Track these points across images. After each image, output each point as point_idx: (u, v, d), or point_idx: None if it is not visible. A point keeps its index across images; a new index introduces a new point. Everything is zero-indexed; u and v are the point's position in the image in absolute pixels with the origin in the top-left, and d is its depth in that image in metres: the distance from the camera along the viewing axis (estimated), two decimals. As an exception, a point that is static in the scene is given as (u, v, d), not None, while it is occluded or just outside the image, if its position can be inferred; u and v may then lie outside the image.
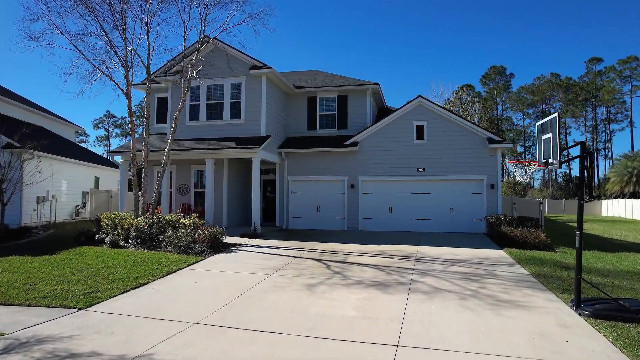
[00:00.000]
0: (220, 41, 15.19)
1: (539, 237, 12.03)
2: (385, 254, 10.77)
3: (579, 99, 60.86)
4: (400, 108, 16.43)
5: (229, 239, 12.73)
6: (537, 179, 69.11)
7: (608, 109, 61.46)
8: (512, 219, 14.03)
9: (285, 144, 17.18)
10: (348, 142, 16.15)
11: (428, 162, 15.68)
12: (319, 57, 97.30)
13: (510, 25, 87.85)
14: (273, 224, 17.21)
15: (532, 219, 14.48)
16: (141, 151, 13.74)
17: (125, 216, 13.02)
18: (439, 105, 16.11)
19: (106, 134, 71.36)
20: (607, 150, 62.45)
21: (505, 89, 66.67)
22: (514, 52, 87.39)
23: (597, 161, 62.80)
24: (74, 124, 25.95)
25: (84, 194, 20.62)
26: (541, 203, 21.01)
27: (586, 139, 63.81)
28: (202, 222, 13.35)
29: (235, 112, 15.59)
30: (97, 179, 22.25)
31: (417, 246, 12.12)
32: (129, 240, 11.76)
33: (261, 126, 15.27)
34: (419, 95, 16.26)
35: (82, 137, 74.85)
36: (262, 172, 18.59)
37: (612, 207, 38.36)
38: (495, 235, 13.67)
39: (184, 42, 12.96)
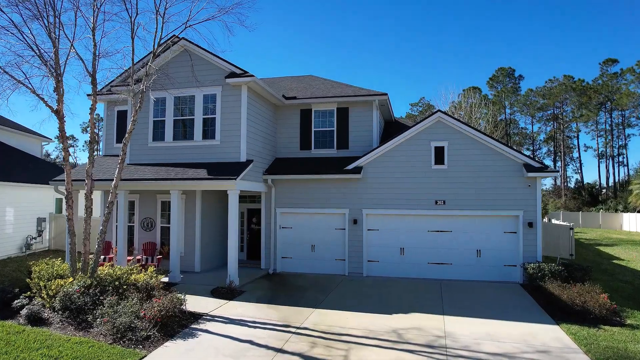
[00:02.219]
0: (188, 41, 12.18)
1: (604, 304, 9.01)
2: (402, 339, 7.75)
3: (593, 102, 57.69)
4: (414, 125, 13.32)
5: (195, 302, 9.72)
6: (545, 185, 66.13)
7: (622, 113, 58.32)
8: (559, 270, 11.02)
9: (273, 167, 14.09)
10: (350, 167, 13.08)
11: (449, 193, 12.61)
12: (315, 60, 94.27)
13: (519, 26, 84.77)
14: (259, 264, 14.17)
15: (583, 269, 11.48)
16: (82, 181, 10.76)
17: (60, 271, 10.01)
18: (463, 122, 12.98)
19: (96, 138, 68.26)
20: (621, 156, 59.33)
21: (513, 91, 63.52)
22: (524, 54, 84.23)
23: (613, 168, 59.67)
24: (40, 135, 22.91)
25: (40, 220, 17.60)
26: (572, 229, 17.94)
27: (597, 143, 60.78)
28: (161, 277, 10.37)
29: (209, 130, 12.50)
30: (59, 202, 19.20)
31: (441, 316, 9.11)
32: (56, 311, 8.76)
33: (240, 149, 12.19)
34: (438, 110, 13.22)
35: (71, 142, 71.98)
36: (247, 199, 15.57)
37: (636, 222, 35.30)
38: (536, 290, 10.73)
39: (132, 42, 9.92)
